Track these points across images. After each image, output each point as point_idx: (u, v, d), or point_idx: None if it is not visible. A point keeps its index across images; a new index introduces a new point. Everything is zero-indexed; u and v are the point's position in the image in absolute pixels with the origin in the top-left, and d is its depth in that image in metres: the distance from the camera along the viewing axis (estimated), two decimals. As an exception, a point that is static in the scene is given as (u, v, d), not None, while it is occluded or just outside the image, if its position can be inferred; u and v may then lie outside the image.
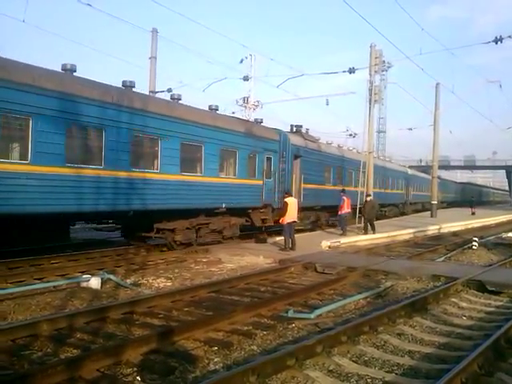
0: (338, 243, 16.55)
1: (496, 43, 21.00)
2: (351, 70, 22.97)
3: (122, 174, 11.87)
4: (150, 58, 25.30)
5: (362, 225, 20.07)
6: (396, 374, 5.26)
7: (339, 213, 19.96)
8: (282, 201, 17.35)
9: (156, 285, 9.83)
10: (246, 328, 6.78)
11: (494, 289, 9.55)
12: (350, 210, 20.08)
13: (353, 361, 5.56)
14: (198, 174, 14.54)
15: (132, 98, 12.46)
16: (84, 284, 9.19)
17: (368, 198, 20.52)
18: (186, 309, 7.86)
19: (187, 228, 14.34)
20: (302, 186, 19.77)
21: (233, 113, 25.22)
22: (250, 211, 17.25)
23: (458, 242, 18.12)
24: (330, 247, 15.88)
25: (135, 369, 5.20)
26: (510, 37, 20.68)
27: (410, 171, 41.72)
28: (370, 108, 22.29)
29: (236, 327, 6.77)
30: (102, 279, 9.39)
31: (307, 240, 16.70)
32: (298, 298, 8.59)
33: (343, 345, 5.96)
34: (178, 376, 5.07)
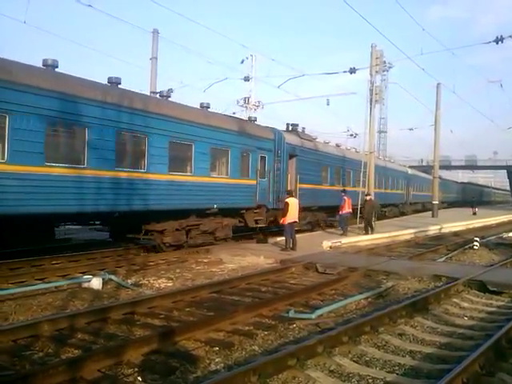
0: (339, 243, 16.55)
1: (497, 43, 21.00)
2: (352, 71, 22.96)
3: (107, 174, 11.38)
4: (150, 59, 25.29)
5: (363, 225, 20.08)
6: (397, 374, 5.25)
7: (340, 213, 19.96)
8: (279, 202, 17.34)
9: (157, 285, 9.83)
10: (247, 328, 6.78)
11: (495, 289, 9.54)
12: (350, 210, 20.07)
13: (354, 361, 5.56)
14: (188, 174, 14.08)
15: (117, 95, 11.94)
16: (85, 284, 9.20)
17: (368, 198, 20.50)
18: (187, 309, 7.86)
19: (177, 229, 13.88)
20: (298, 185, 19.34)
21: (233, 113, 25.19)
22: (244, 212, 16.78)
23: (459, 242, 18.12)
24: (330, 247, 15.88)
25: (136, 369, 5.20)
26: (510, 37, 20.69)
27: (409, 171, 41.68)
28: (370, 108, 22.30)
29: (237, 327, 6.77)
30: (103, 280, 9.39)
31: (308, 240, 16.69)
32: (299, 298, 8.59)
33: (344, 345, 5.96)
34: (178, 376, 5.07)
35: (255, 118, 19.74)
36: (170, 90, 25.90)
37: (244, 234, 18.41)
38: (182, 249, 14.16)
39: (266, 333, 6.58)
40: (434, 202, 34.09)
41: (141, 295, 8.66)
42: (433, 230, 23.04)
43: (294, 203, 15.03)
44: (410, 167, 46.06)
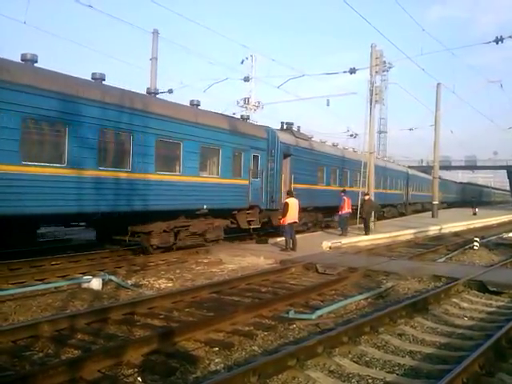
0: (339, 244, 16.56)
1: (497, 43, 21.01)
2: (352, 71, 22.96)
3: (88, 174, 10.92)
4: (150, 59, 25.28)
5: (363, 225, 20.06)
6: (397, 374, 5.26)
7: (339, 213, 19.93)
8: (273, 202, 17.25)
9: (157, 286, 9.83)
10: (246, 328, 6.78)
11: (495, 289, 9.55)
12: (350, 211, 20.04)
13: (354, 361, 5.57)
14: (177, 173, 13.60)
15: (100, 91, 11.49)
16: (85, 285, 9.20)
17: (366, 197, 20.46)
18: (187, 309, 7.86)
19: (165, 231, 13.37)
20: (293, 185, 18.95)
21: (233, 113, 25.18)
22: (236, 212, 16.32)
23: (459, 243, 18.12)
24: (330, 248, 15.87)
25: (136, 369, 5.20)
26: (510, 37, 20.71)
27: (409, 171, 41.68)
28: (370, 108, 22.27)
29: (237, 328, 6.78)
30: (103, 280, 9.39)
31: (308, 240, 16.70)
32: (299, 299, 8.59)
33: (344, 345, 5.96)
34: (178, 377, 5.07)
35: (248, 116, 19.33)
36: (171, 91, 25.98)
37: (238, 234, 18.19)
38: (171, 251, 13.74)
39: (265, 333, 6.58)
40: (433, 202, 34.09)
41: (141, 296, 8.66)
42: (433, 230, 23.05)
43: (293, 203, 15.02)
44: (410, 167, 46.09)
